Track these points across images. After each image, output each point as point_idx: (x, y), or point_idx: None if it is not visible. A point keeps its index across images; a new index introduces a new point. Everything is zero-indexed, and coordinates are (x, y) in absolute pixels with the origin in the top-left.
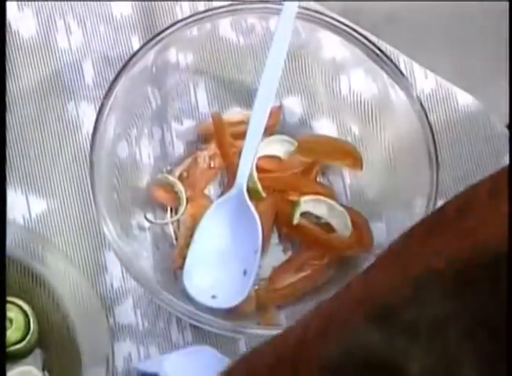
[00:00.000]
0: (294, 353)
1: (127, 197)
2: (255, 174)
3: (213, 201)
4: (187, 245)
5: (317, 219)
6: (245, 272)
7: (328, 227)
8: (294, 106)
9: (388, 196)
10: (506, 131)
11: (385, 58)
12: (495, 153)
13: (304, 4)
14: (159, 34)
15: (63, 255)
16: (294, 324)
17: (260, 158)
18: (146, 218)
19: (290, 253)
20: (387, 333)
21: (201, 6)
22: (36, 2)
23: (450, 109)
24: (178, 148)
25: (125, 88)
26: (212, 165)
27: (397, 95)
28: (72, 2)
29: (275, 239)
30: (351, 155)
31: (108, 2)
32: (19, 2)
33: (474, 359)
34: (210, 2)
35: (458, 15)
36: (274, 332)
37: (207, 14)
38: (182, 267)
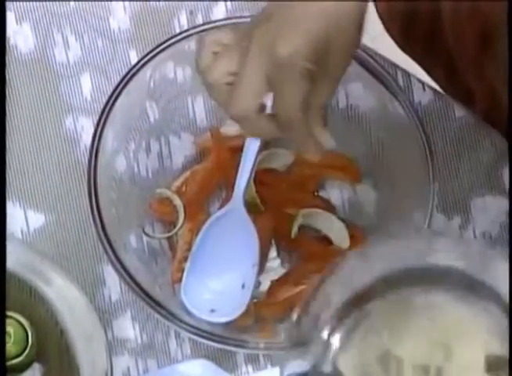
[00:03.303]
0: None
1: (125, 211)
2: (253, 187)
3: (211, 215)
4: (185, 259)
5: (315, 232)
6: (243, 286)
7: (326, 240)
8: None
9: (386, 209)
10: (504, 142)
11: (383, 71)
12: (493, 164)
13: None
14: (157, 47)
15: (61, 269)
16: None
17: (258, 172)
18: (144, 232)
19: (288, 266)
20: None
21: (199, 20)
22: (34, 16)
23: (448, 121)
24: (176, 162)
25: (123, 102)
26: (210, 179)
27: (394, 108)
28: (70, 16)
29: (273, 252)
30: (349, 168)
31: (106, 16)
32: (18, 16)
33: None
34: (208, 16)
35: None
36: (273, 346)
37: (204, 27)
38: (180, 281)
